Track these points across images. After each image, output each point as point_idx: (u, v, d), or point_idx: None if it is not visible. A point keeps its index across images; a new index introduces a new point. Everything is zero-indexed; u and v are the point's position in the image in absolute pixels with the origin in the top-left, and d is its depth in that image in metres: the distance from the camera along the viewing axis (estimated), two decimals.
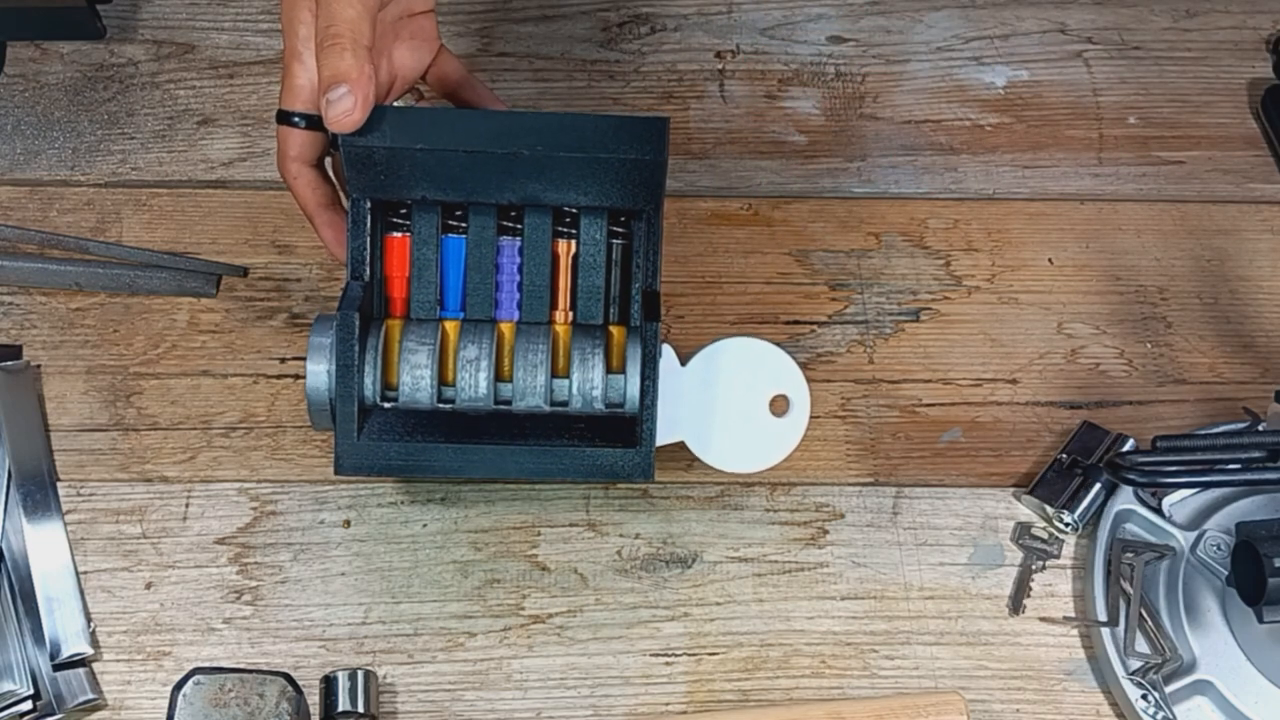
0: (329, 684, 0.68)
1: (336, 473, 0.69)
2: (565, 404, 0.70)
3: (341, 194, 0.73)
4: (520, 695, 0.71)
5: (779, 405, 0.72)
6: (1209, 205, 0.88)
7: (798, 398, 0.72)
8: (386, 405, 0.69)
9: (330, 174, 0.73)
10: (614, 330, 0.71)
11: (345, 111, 0.65)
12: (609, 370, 0.70)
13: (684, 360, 0.71)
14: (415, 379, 0.69)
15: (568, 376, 0.69)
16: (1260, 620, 0.65)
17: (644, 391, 0.68)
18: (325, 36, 0.65)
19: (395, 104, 0.73)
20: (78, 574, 0.73)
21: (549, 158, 0.67)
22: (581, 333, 0.71)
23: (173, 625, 0.72)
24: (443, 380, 0.69)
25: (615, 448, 0.69)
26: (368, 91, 0.65)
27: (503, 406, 0.69)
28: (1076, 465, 0.76)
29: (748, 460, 0.72)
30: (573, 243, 0.71)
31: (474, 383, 0.69)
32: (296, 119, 0.69)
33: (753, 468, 0.72)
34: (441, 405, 0.69)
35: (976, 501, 0.77)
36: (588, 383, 0.69)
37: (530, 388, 0.69)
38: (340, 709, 0.67)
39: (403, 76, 0.73)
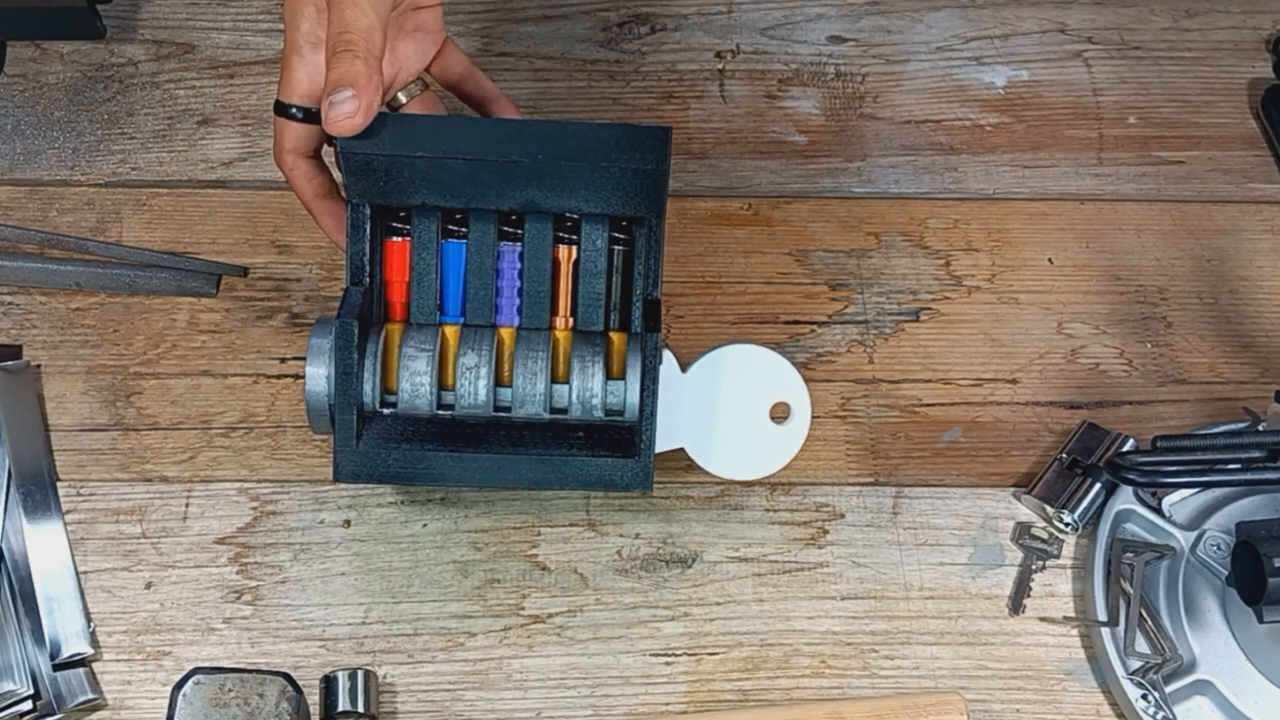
0: (329, 684, 0.68)
1: (335, 480, 0.69)
2: (564, 411, 0.69)
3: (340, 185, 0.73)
4: (520, 695, 0.71)
5: (779, 411, 0.72)
6: (1209, 205, 0.88)
7: (798, 404, 0.72)
8: (386, 411, 0.69)
9: (327, 163, 0.72)
10: (614, 337, 0.71)
11: (347, 114, 0.65)
12: (609, 377, 0.70)
13: (684, 367, 0.71)
14: (415, 385, 0.68)
15: (567, 383, 0.69)
16: (1260, 620, 0.65)
17: (644, 403, 0.68)
18: (338, 43, 0.65)
19: (399, 96, 0.73)
20: (78, 574, 0.73)
21: (550, 165, 0.67)
22: (582, 339, 0.71)
23: (173, 625, 0.72)
24: (442, 385, 0.69)
25: (614, 457, 0.69)
26: (372, 99, 0.65)
27: (502, 413, 0.69)
28: (1076, 465, 0.76)
29: (748, 467, 0.72)
30: (573, 249, 0.71)
31: (473, 389, 0.69)
32: (294, 110, 0.69)
33: (753, 475, 0.72)
34: (441, 412, 0.69)
35: (976, 501, 0.77)
36: (587, 390, 0.69)
37: (530, 395, 0.69)
38: (340, 709, 0.67)
39: (406, 69, 0.73)
